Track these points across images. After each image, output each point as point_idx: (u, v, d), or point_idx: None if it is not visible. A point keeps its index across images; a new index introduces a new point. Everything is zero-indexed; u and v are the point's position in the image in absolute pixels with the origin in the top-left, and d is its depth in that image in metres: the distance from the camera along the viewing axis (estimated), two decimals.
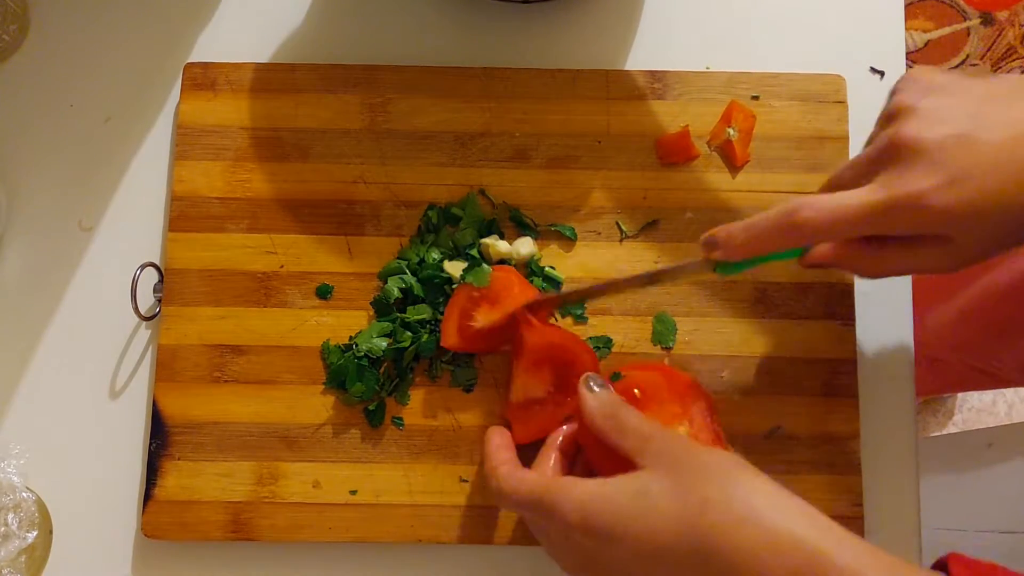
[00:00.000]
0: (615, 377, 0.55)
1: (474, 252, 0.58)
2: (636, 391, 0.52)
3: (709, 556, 0.40)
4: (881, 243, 0.48)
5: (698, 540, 0.41)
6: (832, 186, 0.49)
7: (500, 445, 0.51)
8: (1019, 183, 0.44)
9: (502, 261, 0.58)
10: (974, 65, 1.50)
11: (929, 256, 0.47)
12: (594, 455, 0.50)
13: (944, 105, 0.46)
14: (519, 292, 0.56)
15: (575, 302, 0.58)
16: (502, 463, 0.49)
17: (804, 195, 0.46)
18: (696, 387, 0.53)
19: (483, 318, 0.56)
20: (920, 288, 0.62)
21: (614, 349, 0.57)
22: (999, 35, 1.51)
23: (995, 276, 0.81)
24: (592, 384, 0.49)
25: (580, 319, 0.58)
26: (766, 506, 0.41)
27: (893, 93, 0.49)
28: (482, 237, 0.58)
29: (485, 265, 0.56)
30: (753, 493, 0.42)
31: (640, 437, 0.46)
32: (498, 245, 0.58)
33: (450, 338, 0.56)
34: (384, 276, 0.58)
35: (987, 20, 1.51)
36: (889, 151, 0.46)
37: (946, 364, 0.94)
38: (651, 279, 0.54)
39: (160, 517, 0.55)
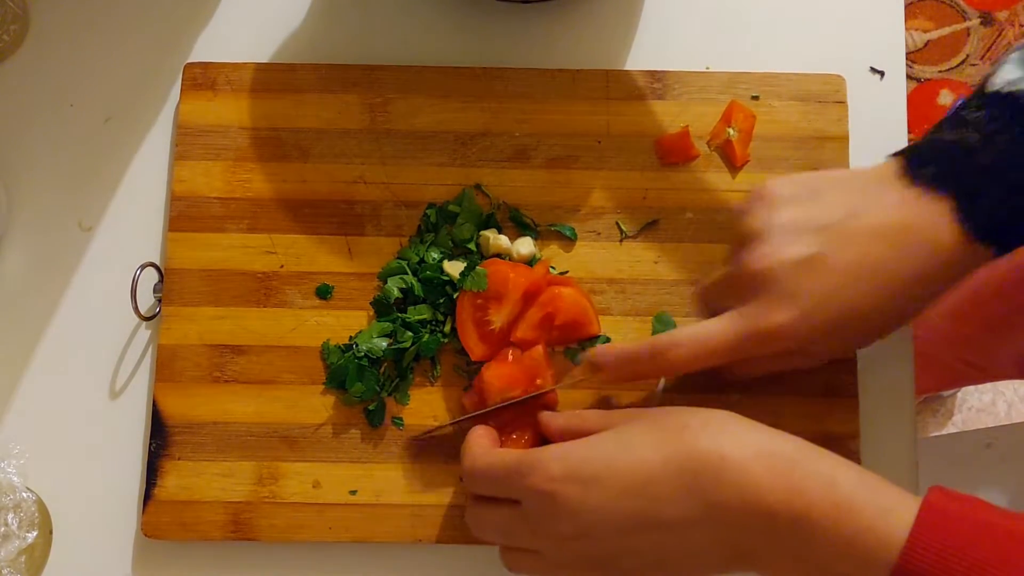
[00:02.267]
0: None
1: (472, 246, 0.58)
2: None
3: (697, 467, 0.43)
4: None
5: (683, 455, 0.43)
6: (700, 298, 0.53)
7: (482, 433, 0.52)
8: (872, 292, 0.46)
9: (499, 256, 0.58)
10: (974, 65, 1.50)
11: (798, 360, 0.51)
12: None
13: (789, 225, 0.47)
14: (516, 276, 0.56)
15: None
16: (478, 442, 0.51)
17: (670, 331, 0.50)
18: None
19: (498, 317, 0.56)
20: None
21: None
22: (999, 35, 1.51)
23: (990, 272, 0.81)
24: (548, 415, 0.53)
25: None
26: (742, 426, 0.45)
27: (742, 214, 0.50)
28: (480, 231, 0.58)
29: (479, 268, 0.56)
30: (728, 418, 0.45)
31: (603, 416, 0.49)
32: (499, 240, 0.58)
33: (477, 349, 0.56)
34: (384, 276, 0.58)
35: (987, 20, 1.51)
36: (743, 280, 0.48)
37: (940, 360, 0.95)
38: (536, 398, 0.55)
39: (160, 517, 0.55)
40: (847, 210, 0.47)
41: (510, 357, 0.56)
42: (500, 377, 0.55)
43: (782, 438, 0.44)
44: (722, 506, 0.42)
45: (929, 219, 0.46)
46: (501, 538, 0.49)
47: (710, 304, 0.52)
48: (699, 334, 0.48)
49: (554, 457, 0.45)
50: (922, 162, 0.48)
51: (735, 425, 0.45)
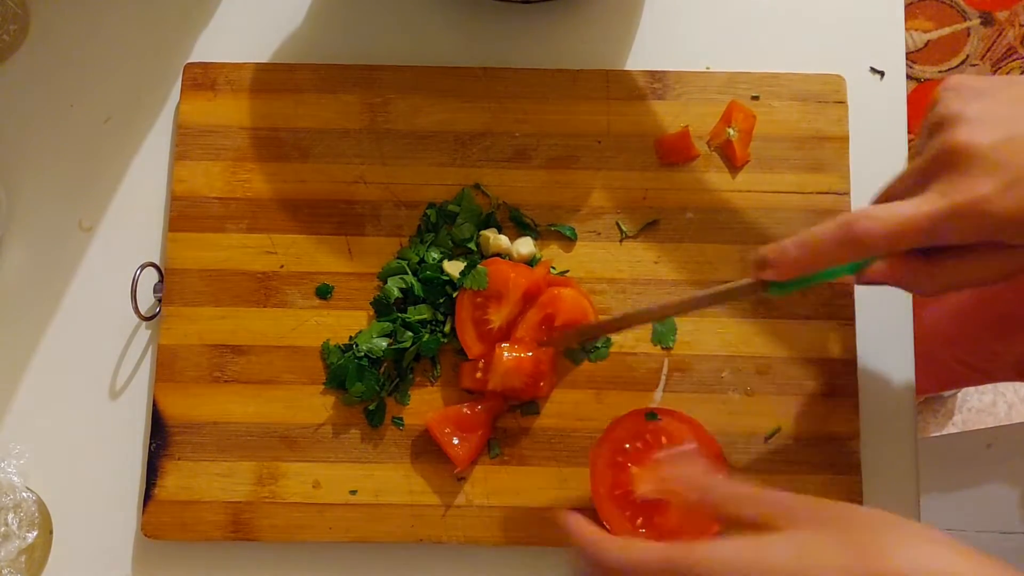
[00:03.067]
0: (650, 417, 0.54)
1: (472, 246, 0.58)
2: (664, 438, 0.53)
3: None
4: (938, 256, 0.47)
5: None
6: (884, 198, 0.48)
7: (582, 521, 0.45)
8: None
9: (498, 255, 0.58)
10: (974, 66, 1.50)
11: (987, 266, 0.46)
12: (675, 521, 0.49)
13: (990, 109, 0.45)
14: (517, 276, 0.56)
15: (618, 329, 0.56)
16: (603, 536, 0.44)
17: (857, 209, 0.45)
18: (720, 456, 0.54)
19: (498, 317, 0.56)
20: None
21: (613, 349, 0.57)
22: (999, 35, 1.51)
23: None
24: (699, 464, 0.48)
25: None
26: (938, 553, 0.38)
27: (934, 104, 0.48)
28: (480, 230, 0.58)
29: (479, 267, 0.56)
30: (922, 540, 0.38)
31: (760, 503, 0.41)
32: (499, 239, 0.58)
33: (474, 347, 0.56)
34: (384, 276, 0.58)
35: (987, 20, 1.51)
36: (942, 159, 0.45)
37: (940, 361, 0.94)
38: (699, 303, 0.51)
39: (160, 517, 0.55)
40: None
41: (527, 347, 0.56)
42: (512, 358, 0.55)
43: (984, 569, 0.38)
44: None
45: None
46: None
47: (897, 198, 0.47)
48: (894, 207, 0.44)
49: (716, 557, 0.39)
50: None
51: (933, 554, 0.38)
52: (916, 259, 0.47)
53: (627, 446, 0.53)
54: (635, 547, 0.42)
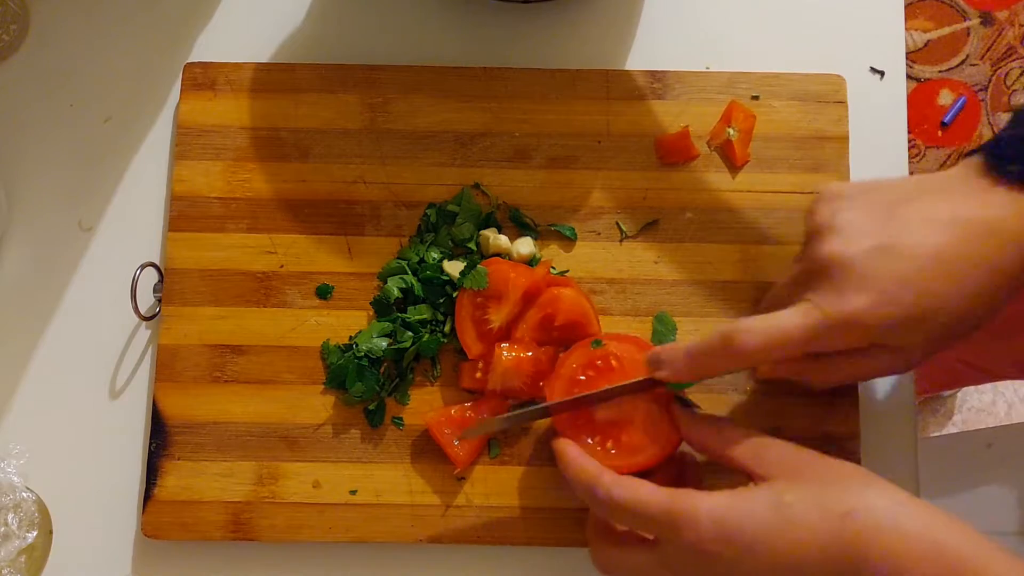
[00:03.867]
0: (596, 344, 0.55)
1: (472, 245, 0.58)
2: (614, 360, 0.53)
3: (858, 565, 0.41)
4: (827, 356, 0.48)
5: (844, 549, 0.41)
6: (768, 304, 0.51)
7: (582, 453, 0.50)
8: (951, 281, 0.45)
9: (498, 255, 0.58)
10: (974, 65, 1.50)
11: (876, 363, 0.48)
12: (664, 477, 0.51)
13: (859, 218, 0.46)
14: (517, 276, 0.56)
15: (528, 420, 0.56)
16: (601, 470, 0.48)
17: (739, 320, 0.47)
18: None
19: (498, 317, 0.56)
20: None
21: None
22: (999, 35, 1.51)
23: None
24: (684, 403, 0.51)
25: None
26: (905, 513, 0.42)
27: (809, 213, 0.49)
28: (480, 230, 0.58)
29: (480, 266, 0.56)
30: (893, 502, 0.42)
31: (753, 446, 0.47)
32: (499, 239, 0.58)
33: (474, 347, 0.56)
34: (384, 276, 0.58)
35: (987, 20, 1.51)
36: (816, 270, 0.46)
37: (940, 360, 0.94)
38: (594, 399, 0.52)
39: (160, 517, 0.55)
40: (925, 204, 0.46)
41: (527, 347, 0.56)
42: (511, 358, 0.55)
43: (951, 532, 0.41)
44: None
45: (1011, 214, 0.45)
46: None
47: (777, 306, 0.50)
48: (772, 320, 0.46)
49: (707, 514, 0.44)
50: (1006, 159, 0.46)
51: (905, 516, 0.42)
52: (807, 359, 0.49)
53: (582, 377, 0.53)
54: (637, 485, 0.46)
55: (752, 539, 0.43)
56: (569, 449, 0.50)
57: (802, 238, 0.50)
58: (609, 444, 0.52)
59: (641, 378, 0.51)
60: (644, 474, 0.50)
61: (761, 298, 0.58)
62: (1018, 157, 0.46)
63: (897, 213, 0.46)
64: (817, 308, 0.45)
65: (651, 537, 0.47)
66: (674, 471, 0.53)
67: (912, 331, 0.46)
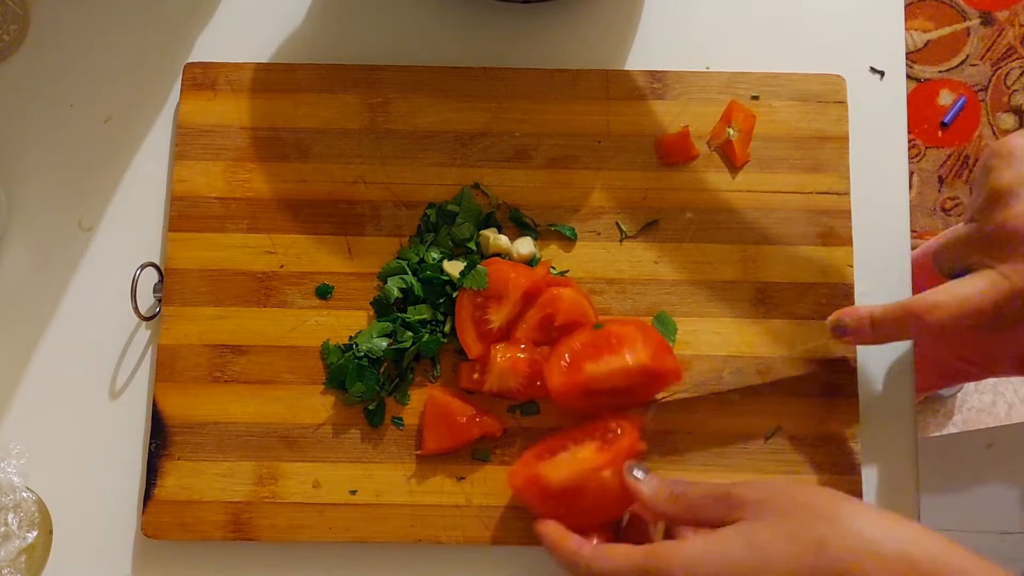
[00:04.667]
0: (598, 327, 0.55)
1: (472, 245, 0.58)
2: (613, 339, 0.54)
3: None
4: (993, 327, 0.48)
5: None
6: (937, 262, 0.51)
7: (562, 533, 0.50)
8: None
9: (498, 255, 0.58)
10: (974, 65, 1.50)
11: None
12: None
13: None
14: (517, 276, 0.56)
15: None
16: (580, 545, 0.49)
17: (926, 292, 0.48)
18: (666, 347, 0.55)
19: (498, 317, 0.56)
20: (920, 284, 0.62)
21: None
22: (999, 35, 1.51)
23: None
24: (637, 473, 0.50)
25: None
26: (878, 535, 0.42)
27: (986, 170, 0.48)
28: (480, 230, 0.58)
29: (479, 266, 0.56)
30: (864, 524, 0.42)
31: (714, 502, 0.46)
32: (499, 239, 0.58)
33: (474, 347, 0.56)
34: (384, 276, 0.58)
35: (987, 20, 1.51)
36: (1001, 237, 0.46)
37: (940, 358, 0.94)
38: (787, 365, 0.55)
39: (160, 517, 0.55)
40: None
41: (522, 347, 0.56)
42: (507, 359, 0.55)
43: (928, 548, 0.41)
44: None
45: None
46: None
47: (951, 262, 0.50)
48: (960, 295, 0.46)
49: (682, 568, 0.43)
50: None
51: (874, 536, 0.42)
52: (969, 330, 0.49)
53: (577, 346, 0.54)
54: (613, 553, 0.46)
55: None
56: (550, 529, 0.51)
57: (974, 191, 0.50)
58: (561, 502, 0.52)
59: (818, 343, 0.53)
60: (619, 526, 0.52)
61: (762, 299, 0.58)
62: None
63: None
64: (1005, 279, 0.45)
65: None
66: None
67: None
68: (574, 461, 0.52)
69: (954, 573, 0.40)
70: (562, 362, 0.54)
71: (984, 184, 0.48)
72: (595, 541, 0.50)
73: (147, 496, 0.56)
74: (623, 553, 0.46)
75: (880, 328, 0.50)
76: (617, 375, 0.53)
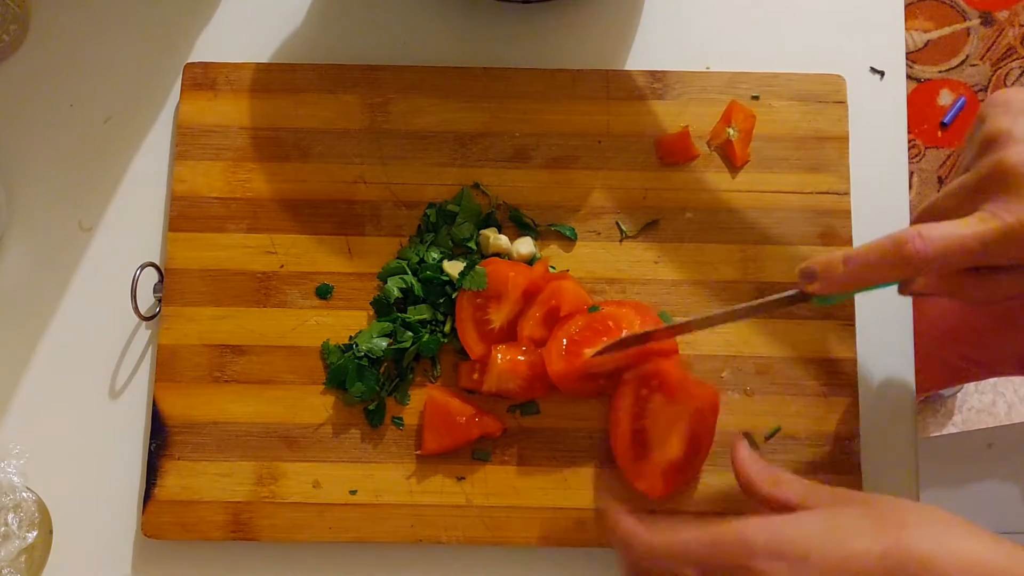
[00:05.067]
0: (593, 309, 0.56)
1: (472, 244, 0.58)
2: (610, 322, 0.54)
3: (913, 571, 0.40)
4: (990, 270, 0.47)
5: (901, 555, 0.41)
6: (930, 214, 0.48)
7: (623, 514, 0.49)
8: None
9: (497, 255, 0.58)
10: (974, 66, 1.50)
11: None
12: None
13: None
14: (516, 275, 0.56)
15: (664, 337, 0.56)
16: (645, 526, 0.48)
17: (910, 225, 0.45)
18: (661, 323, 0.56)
19: (498, 317, 0.56)
20: None
21: None
22: (999, 35, 1.51)
23: None
24: (747, 444, 0.50)
25: None
26: (960, 531, 0.42)
27: (981, 120, 0.48)
28: (480, 230, 0.58)
29: (478, 267, 0.56)
30: (948, 522, 0.42)
31: (802, 485, 0.47)
32: (499, 239, 0.58)
33: (476, 348, 0.56)
34: (384, 276, 0.58)
35: (987, 20, 1.51)
36: (993, 178, 0.45)
37: (940, 357, 0.94)
38: (745, 313, 0.52)
39: (160, 517, 0.55)
40: None
41: (523, 348, 0.56)
42: (507, 360, 0.55)
43: (998, 547, 0.41)
44: None
45: None
46: None
47: (942, 214, 0.48)
48: (948, 227, 0.44)
49: (759, 531, 0.43)
50: None
51: (958, 532, 0.42)
52: (968, 273, 0.47)
53: (574, 330, 0.55)
54: (679, 532, 0.45)
55: (805, 549, 0.42)
56: (612, 512, 0.50)
57: (967, 144, 0.49)
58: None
59: (791, 292, 0.49)
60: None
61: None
62: None
63: None
64: (996, 217, 0.44)
65: None
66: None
67: None
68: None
69: None
70: (561, 348, 0.54)
71: (979, 132, 0.47)
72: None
73: (147, 496, 0.56)
74: (687, 529, 0.45)
75: (854, 264, 0.45)
76: (616, 356, 0.54)
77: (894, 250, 0.44)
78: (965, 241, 0.44)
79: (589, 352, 0.54)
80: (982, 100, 1.47)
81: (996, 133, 0.46)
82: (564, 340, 0.54)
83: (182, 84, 0.61)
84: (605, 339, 0.54)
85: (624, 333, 0.54)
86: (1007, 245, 0.44)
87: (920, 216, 0.49)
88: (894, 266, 0.45)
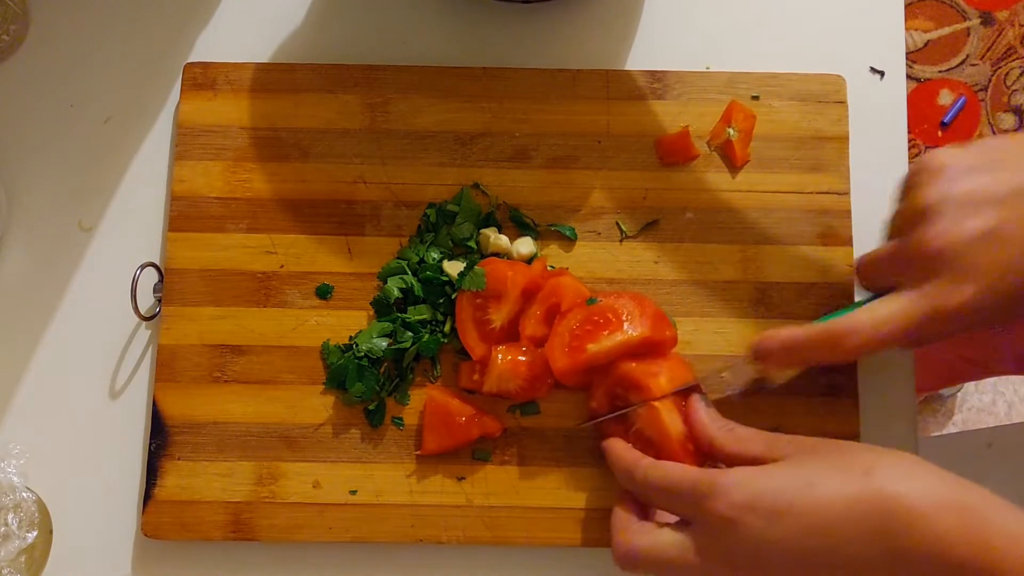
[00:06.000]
0: (591, 302, 0.55)
1: (472, 244, 0.58)
2: (611, 314, 0.54)
3: (884, 517, 0.41)
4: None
5: (870, 503, 0.42)
6: (865, 273, 0.51)
7: (625, 446, 0.53)
8: None
9: (496, 255, 0.58)
10: (974, 65, 1.50)
11: (972, 328, 0.48)
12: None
13: (966, 197, 0.46)
14: (514, 274, 0.56)
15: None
16: (641, 457, 0.51)
17: (839, 317, 0.48)
18: (663, 316, 0.56)
19: (499, 316, 0.56)
20: None
21: None
22: (999, 35, 1.51)
23: None
24: (703, 403, 0.52)
25: None
26: (925, 471, 0.43)
27: (911, 186, 0.48)
28: (480, 230, 0.58)
29: (477, 268, 0.56)
30: (915, 463, 0.44)
31: (763, 438, 0.48)
32: (499, 239, 0.58)
33: (477, 348, 0.56)
34: (384, 276, 0.58)
35: (987, 20, 1.51)
36: (920, 258, 0.46)
37: (940, 357, 0.95)
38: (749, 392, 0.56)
39: (160, 517, 0.55)
40: (1021, 178, 0.46)
41: (524, 348, 0.56)
42: (507, 360, 0.55)
43: (969, 489, 0.42)
44: (908, 554, 0.41)
45: None
46: (666, 563, 0.48)
47: (874, 278, 0.51)
48: (879, 317, 0.46)
49: (735, 483, 0.45)
50: None
51: (923, 471, 0.43)
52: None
53: (575, 325, 0.55)
54: (671, 467, 0.49)
55: (780, 503, 0.43)
56: (615, 443, 0.53)
57: (898, 202, 0.50)
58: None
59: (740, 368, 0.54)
60: None
61: (762, 299, 0.58)
62: None
63: (1000, 193, 0.46)
64: (924, 300, 0.46)
65: (677, 521, 0.48)
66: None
67: (1009, 312, 0.46)
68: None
69: (994, 511, 0.41)
70: (564, 344, 0.54)
71: (907, 200, 0.49)
72: None
73: (147, 496, 0.56)
74: (680, 468, 0.48)
75: (800, 352, 0.49)
76: (619, 349, 0.54)
77: (828, 343, 0.48)
78: (894, 330, 0.46)
79: (592, 347, 0.54)
80: (982, 100, 1.47)
81: (923, 207, 0.47)
82: (567, 336, 0.54)
83: (182, 84, 0.61)
84: (606, 332, 0.54)
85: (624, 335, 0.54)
86: (935, 326, 0.46)
87: (857, 275, 0.53)
88: (835, 355, 0.49)
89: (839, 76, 0.61)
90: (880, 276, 0.50)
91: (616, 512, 0.52)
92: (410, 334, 0.56)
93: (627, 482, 0.51)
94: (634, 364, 0.54)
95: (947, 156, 0.48)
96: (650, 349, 0.54)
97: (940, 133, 1.48)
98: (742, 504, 0.44)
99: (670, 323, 0.56)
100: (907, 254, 0.47)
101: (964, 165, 0.47)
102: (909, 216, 0.48)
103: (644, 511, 0.51)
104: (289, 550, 0.56)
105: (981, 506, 0.41)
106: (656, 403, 0.53)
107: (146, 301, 0.59)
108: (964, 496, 0.42)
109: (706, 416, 0.52)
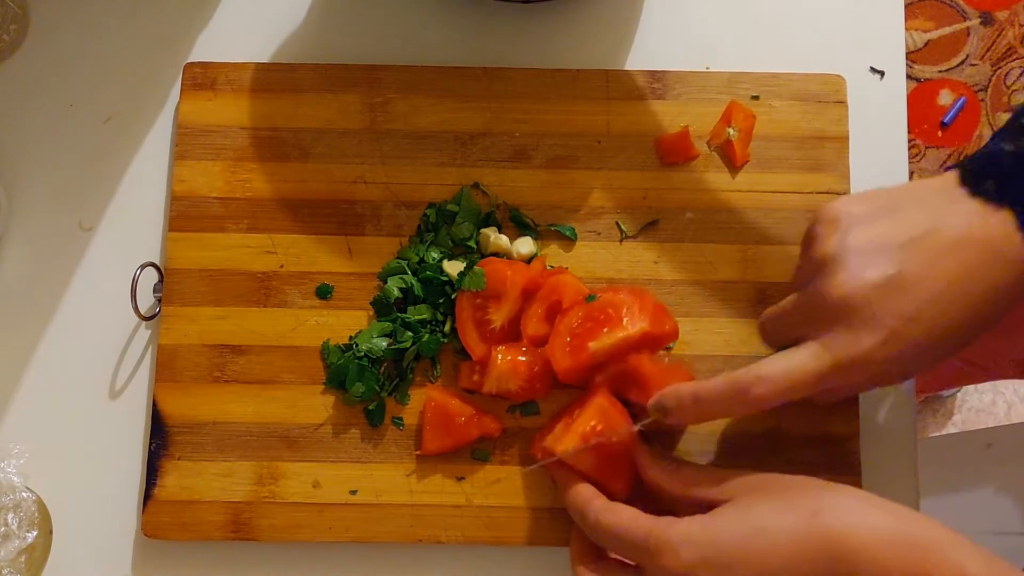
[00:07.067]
0: (590, 298, 0.55)
1: (472, 244, 0.58)
2: (611, 310, 0.54)
3: (833, 558, 0.41)
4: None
5: (819, 545, 0.42)
6: (770, 328, 0.51)
7: (580, 483, 0.52)
8: (958, 309, 0.45)
9: (496, 255, 0.58)
10: (974, 65, 1.50)
11: (878, 382, 0.49)
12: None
13: (866, 246, 0.46)
14: (514, 274, 0.56)
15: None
16: (595, 496, 0.50)
17: (750, 366, 0.47)
18: (663, 309, 0.55)
19: (499, 316, 0.56)
20: None
21: None
22: (999, 35, 1.51)
23: None
24: (646, 445, 0.52)
25: None
26: (873, 507, 0.43)
27: (813, 237, 0.48)
28: (480, 229, 0.58)
29: (476, 268, 0.56)
30: (856, 499, 0.44)
31: (711, 479, 0.48)
32: (499, 239, 0.58)
33: (478, 348, 0.56)
34: (384, 276, 0.58)
35: (987, 20, 1.51)
36: (823, 308, 0.46)
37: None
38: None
39: (160, 517, 0.55)
40: (920, 226, 0.46)
41: (524, 348, 0.56)
42: (507, 361, 0.55)
43: (914, 522, 0.43)
44: None
45: (995, 232, 0.45)
46: None
47: (777, 333, 0.51)
48: (784, 369, 0.46)
49: (686, 540, 0.44)
50: (981, 175, 0.47)
51: (871, 508, 0.43)
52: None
53: (575, 323, 0.55)
54: (622, 513, 0.48)
55: (730, 556, 0.43)
56: (568, 479, 0.52)
57: (801, 255, 0.50)
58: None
59: (647, 421, 0.51)
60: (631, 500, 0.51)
61: (762, 299, 0.58)
62: (991, 173, 0.46)
63: (899, 241, 0.46)
64: (827, 351, 0.46)
65: (634, 564, 0.48)
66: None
67: (916, 360, 0.46)
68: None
69: (945, 547, 0.41)
70: (565, 344, 0.54)
71: (808, 252, 0.48)
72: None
73: (147, 496, 0.56)
74: (630, 516, 0.47)
75: (705, 405, 0.48)
76: (620, 346, 0.53)
77: (735, 395, 0.47)
78: (799, 381, 0.46)
79: (593, 345, 0.54)
80: (982, 100, 1.47)
81: (822, 257, 0.47)
82: (568, 336, 0.54)
83: (182, 84, 0.61)
84: (606, 329, 0.54)
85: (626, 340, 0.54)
86: (840, 377, 0.46)
87: (760, 329, 0.52)
88: (741, 406, 0.48)
89: (839, 76, 0.61)
90: (783, 331, 0.50)
91: (573, 541, 0.52)
92: (410, 334, 0.56)
93: (580, 523, 0.50)
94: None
95: (844, 205, 0.48)
96: (651, 343, 0.54)
97: (940, 133, 1.48)
98: (692, 561, 0.44)
99: (670, 316, 0.56)
100: (810, 306, 0.47)
101: (861, 213, 0.47)
102: (809, 269, 0.48)
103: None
104: (289, 550, 0.56)
105: (928, 542, 0.41)
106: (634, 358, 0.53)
107: (146, 301, 0.59)
108: (912, 532, 0.42)
109: (651, 459, 0.51)
